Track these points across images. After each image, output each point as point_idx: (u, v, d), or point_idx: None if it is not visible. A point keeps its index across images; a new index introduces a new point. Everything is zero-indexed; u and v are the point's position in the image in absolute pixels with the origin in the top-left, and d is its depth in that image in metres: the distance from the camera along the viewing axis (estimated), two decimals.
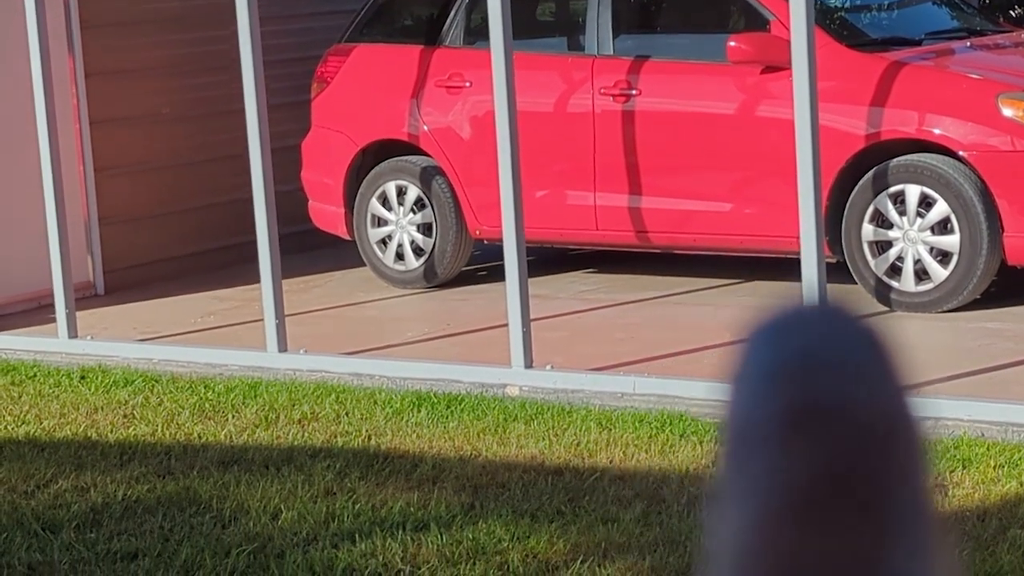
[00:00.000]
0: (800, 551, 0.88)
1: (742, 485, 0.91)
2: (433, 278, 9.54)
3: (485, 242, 9.45)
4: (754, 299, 8.70)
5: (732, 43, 8.40)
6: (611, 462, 6.34)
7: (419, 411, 7.14)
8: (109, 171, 10.03)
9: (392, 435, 6.86)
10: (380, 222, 9.69)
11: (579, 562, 5.30)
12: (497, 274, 8.17)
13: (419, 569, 5.32)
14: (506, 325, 7.50)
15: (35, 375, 8.26)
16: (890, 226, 8.17)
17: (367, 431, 6.92)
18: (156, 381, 7.96)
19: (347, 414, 7.20)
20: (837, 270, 8.03)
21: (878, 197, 8.16)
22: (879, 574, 0.88)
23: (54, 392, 7.90)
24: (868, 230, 8.20)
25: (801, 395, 0.90)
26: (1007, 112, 7.89)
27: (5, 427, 7.34)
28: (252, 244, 8.17)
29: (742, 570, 0.89)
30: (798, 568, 0.88)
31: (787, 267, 7.97)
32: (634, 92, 8.79)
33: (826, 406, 0.90)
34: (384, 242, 9.68)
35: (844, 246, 8.27)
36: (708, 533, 0.91)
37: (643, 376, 7.20)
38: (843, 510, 0.89)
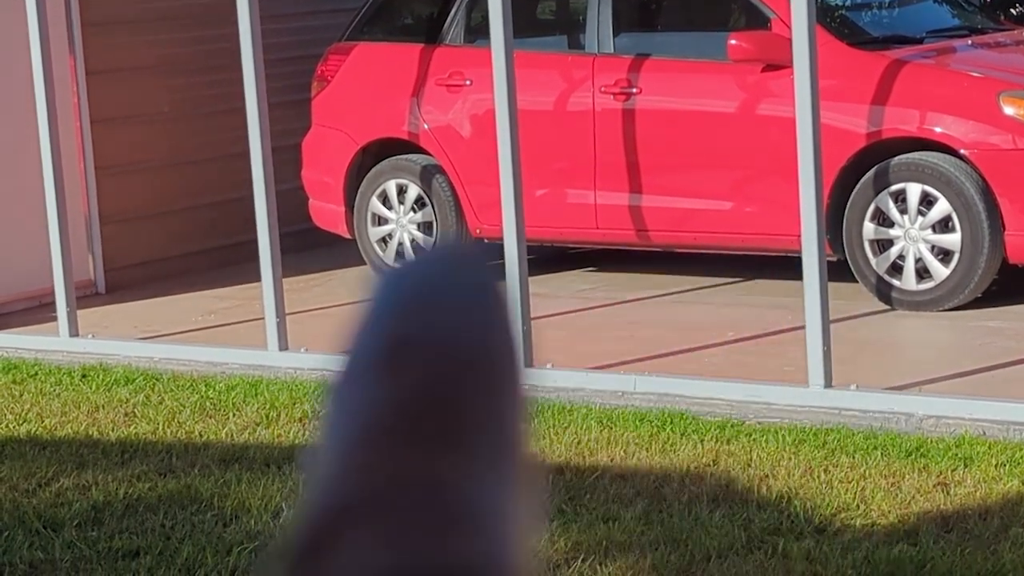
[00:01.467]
0: (382, 474, 0.91)
1: (337, 413, 0.95)
2: None
3: (485, 240, 9.45)
4: (755, 297, 8.70)
5: (733, 41, 8.40)
6: (612, 460, 6.34)
7: None
8: (110, 170, 10.03)
9: None
10: (380, 221, 9.69)
11: (580, 560, 5.30)
12: (497, 273, 8.16)
13: None
14: None
15: (36, 373, 8.26)
16: (891, 224, 8.16)
17: None
18: (157, 379, 7.96)
19: None
20: (838, 268, 8.02)
21: (879, 195, 8.16)
22: (453, 499, 0.91)
23: (55, 390, 7.90)
24: (869, 228, 8.20)
25: (400, 329, 0.95)
26: (1008, 110, 7.89)
27: (7, 425, 7.34)
28: (253, 243, 8.16)
29: (329, 493, 0.92)
30: (378, 491, 0.91)
31: (788, 266, 7.97)
32: (635, 90, 8.79)
33: (420, 339, 0.94)
34: (384, 241, 9.67)
35: (845, 244, 8.26)
36: (308, 461, 0.94)
37: (643, 375, 7.20)
38: (423, 436, 0.92)
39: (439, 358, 0.94)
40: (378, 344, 0.96)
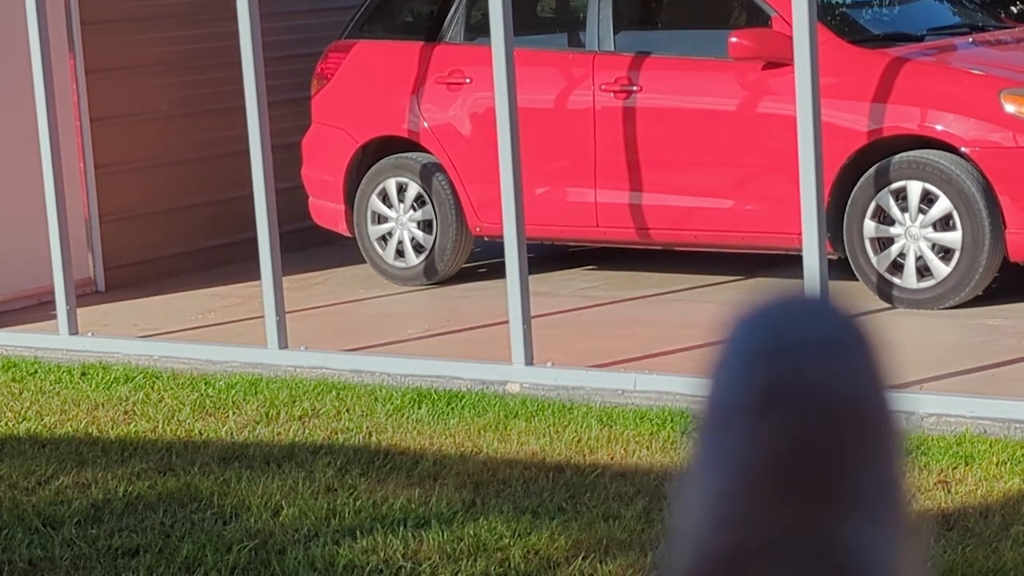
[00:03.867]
0: (758, 525, 0.90)
1: (710, 461, 0.92)
2: (433, 275, 9.53)
3: (485, 239, 9.44)
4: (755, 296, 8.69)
5: (733, 39, 8.39)
6: (612, 459, 6.34)
7: (420, 408, 7.13)
8: (110, 168, 10.02)
9: (393, 432, 6.85)
10: (380, 219, 9.68)
11: (580, 559, 5.29)
12: (497, 271, 8.16)
13: (420, 565, 5.31)
14: (507, 322, 7.49)
15: (36, 372, 8.25)
16: (892, 222, 8.16)
17: (368, 428, 6.91)
18: (157, 377, 7.96)
19: (348, 411, 7.20)
20: (839, 266, 8.02)
21: (880, 193, 8.15)
22: (840, 554, 0.89)
23: (55, 389, 7.90)
24: (870, 226, 8.19)
25: (774, 376, 0.92)
26: (1009, 108, 7.88)
27: (6, 424, 7.33)
28: (253, 241, 8.16)
29: (702, 544, 0.91)
30: (756, 542, 0.90)
31: (789, 264, 7.96)
32: (635, 88, 8.78)
33: (797, 387, 0.91)
34: (384, 239, 9.67)
35: (846, 242, 8.26)
36: (674, 507, 0.93)
37: (644, 373, 7.20)
38: (803, 487, 0.90)
39: (814, 406, 0.91)
40: (749, 390, 0.92)
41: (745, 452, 0.91)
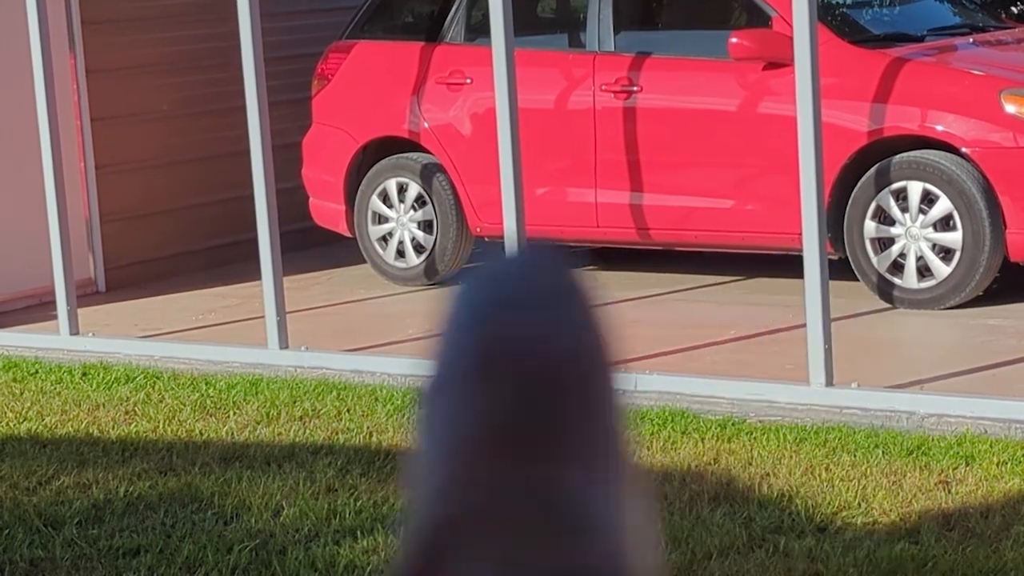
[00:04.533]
0: (486, 480, 0.91)
1: (434, 426, 0.94)
2: (434, 275, 9.53)
3: (486, 239, 9.45)
4: (756, 296, 8.70)
5: (734, 39, 8.39)
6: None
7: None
8: (110, 168, 10.02)
9: (393, 432, 6.85)
10: (381, 219, 9.68)
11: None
12: None
13: None
14: None
15: (37, 372, 8.25)
16: (892, 223, 8.16)
17: (368, 428, 6.91)
18: (157, 378, 7.96)
19: (348, 411, 7.20)
20: (839, 267, 8.02)
21: (880, 194, 8.16)
22: (560, 499, 0.90)
23: (56, 389, 7.90)
24: (870, 227, 8.19)
25: (490, 335, 0.93)
26: (1010, 108, 7.88)
27: (7, 424, 7.33)
28: (253, 241, 8.16)
29: (436, 506, 0.92)
30: (487, 502, 0.91)
31: (789, 264, 7.96)
32: (635, 89, 8.78)
33: (510, 345, 0.93)
34: (385, 239, 9.67)
35: (846, 243, 8.26)
36: (408, 475, 0.94)
37: (644, 373, 7.19)
38: (521, 443, 0.91)
39: (532, 364, 0.93)
40: (469, 352, 0.94)
41: (466, 414, 0.92)
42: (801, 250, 6.90)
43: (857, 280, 8.27)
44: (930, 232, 8.07)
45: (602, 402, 0.94)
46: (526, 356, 0.92)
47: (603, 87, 8.88)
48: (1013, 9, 13.07)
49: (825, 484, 5.88)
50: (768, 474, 6.03)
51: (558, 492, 0.90)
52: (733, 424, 6.63)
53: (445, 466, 0.92)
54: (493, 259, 0.98)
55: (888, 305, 8.16)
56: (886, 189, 8.14)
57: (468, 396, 0.93)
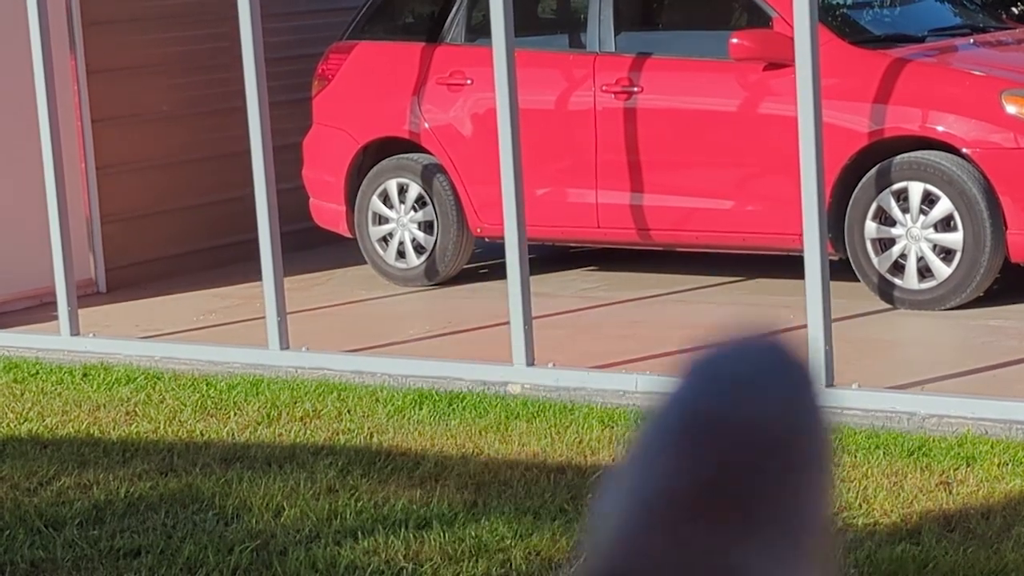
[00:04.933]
0: (670, 546, 0.93)
1: (634, 477, 0.96)
2: (434, 276, 9.53)
3: (486, 240, 9.44)
4: (756, 297, 8.69)
5: (734, 40, 8.39)
6: (614, 460, 6.32)
7: (421, 409, 7.13)
8: (111, 169, 10.02)
9: (394, 433, 6.85)
10: (381, 220, 9.68)
11: (582, 559, 5.28)
12: (498, 272, 8.16)
13: (422, 567, 5.31)
14: (508, 323, 7.49)
15: (37, 372, 8.25)
16: (893, 223, 8.16)
17: (369, 429, 6.91)
18: (158, 378, 7.96)
19: (349, 412, 7.20)
20: (840, 267, 8.02)
21: (881, 194, 8.15)
22: (731, 569, 0.92)
23: (56, 390, 7.90)
24: (871, 227, 8.19)
25: (701, 405, 0.95)
26: (1010, 109, 7.88)
27: (8, 424, 7.33)
28: (253, 242, 8.16)
29: (613, 559, 0.94)
30: (664, 562, 0.92)
31: (789, 265, 7.96)
32: (636, 89, 8.78)
33: (720, 416, 0.94)
34: (385, 240, 9.67)
35: (847, 243, 8.26)
36: (594, 516, 0.96)
37: (645, 374, 7.19)
38: (716, 513, 0.93)
39: (739, 436, 0.94)
40: (680, 418, 0.96)
41: (665, 474, 0.94)
42: (801, 251, 6.90)
43: (858, 281, 8.27)
44: (931, 233, 8.07)
45: (808, 484, 0.95)
46: (733, 428, 0.94)
47: (604, 88, 8.88)
48: (1014, 10, 13.07)
49: None
50: None
51: (735, 565, 0.92)
52: None
53: (631, 520, 0.94)
54: (720, 341, 1.00)
55: (889, 306, 8.16)
56: (887, 190, 8.14)
57: (668, 458, 0.95)
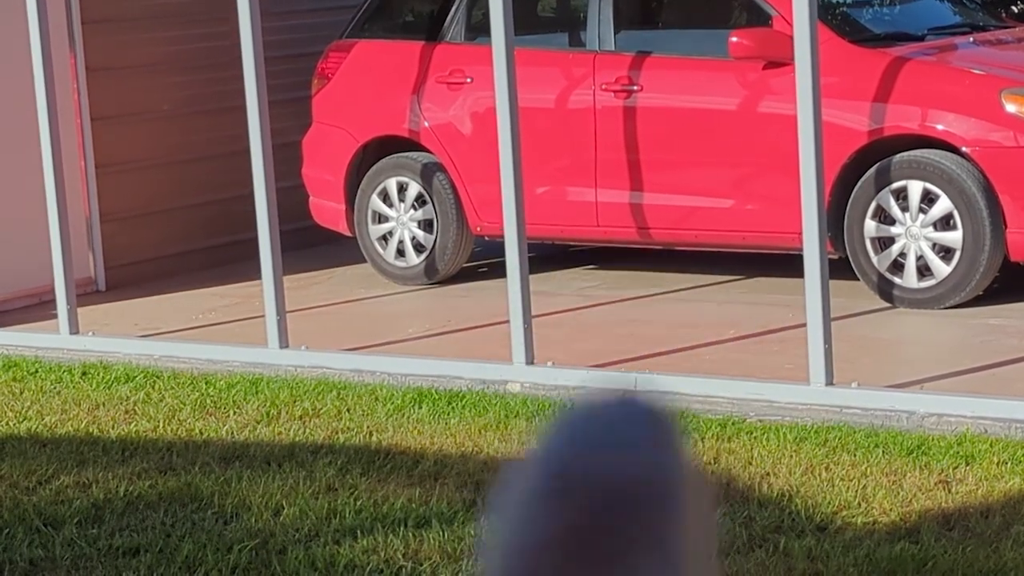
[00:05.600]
0: None
1: (507, 527, 1.05)
2: (434, 274, 9.53)
3: (486, 238, 9.44)
4: (756, 295, 8.70)
5: (734, 39, 8.39)
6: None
7: (420, 407, 7.13)
8: (110, 167, 10.02)
9: (393, 431, 6.85)
10: (381, 218, 9.68)
11: None
12: (498, 270, 8.16)
13: (421, 565, 5.31)
14: (507, 321, 7.49)
15: (36, 371, 8.25)
16: (892, 222, 8.16)
17: (368, 427, 6.91)
18: (157, 377, 7.96)
19: (348, 410, 7.20)
20: (839, 266, 8.02)
21: (880, 193, 8.15)
22: None
23: (55, 388, 7.90)
24: (871, 226, 8.19)
25: (568, 464, 1.06)
26: (1010, 108, 7.88)
27: (7, 423, 7.33)
28: (253, 240, 8.16)
29: None
30: None
31: (789, 263, 7.96)
32: (635, 88, 8.78)
33: (586, 474, 1.04)
34: (385, 238, 9.67)
35: (846, 242, 8.26)
36: (478, 565, 1.07)
37: (644, 373, 7.19)
38: (581, 559, 1.02)
39: (604, 491, 1.04)
40: (544, 474, 1.06)
41: (535, 523, 1.04)
42: (801, 250, 6.90)
43: (857, 279, 8.27)
44: (930, 231, 8.07)
45: (671, 533, 1.05)
46: (598, 483, 1.05)
47: (603, 86, 8.88)
48: (1014, 8, 13.07)
49: (825, 484, 5.88)
50: (768, 474, 6.03)
51: None
52: (733, 424, 6.63)
53: (509, 562, 1.03)
54: (588, 399, 1.11)
55: (888, 304, 8.16)
56: (886, 188, 8.14)
57: (539, 508, 1.05)
